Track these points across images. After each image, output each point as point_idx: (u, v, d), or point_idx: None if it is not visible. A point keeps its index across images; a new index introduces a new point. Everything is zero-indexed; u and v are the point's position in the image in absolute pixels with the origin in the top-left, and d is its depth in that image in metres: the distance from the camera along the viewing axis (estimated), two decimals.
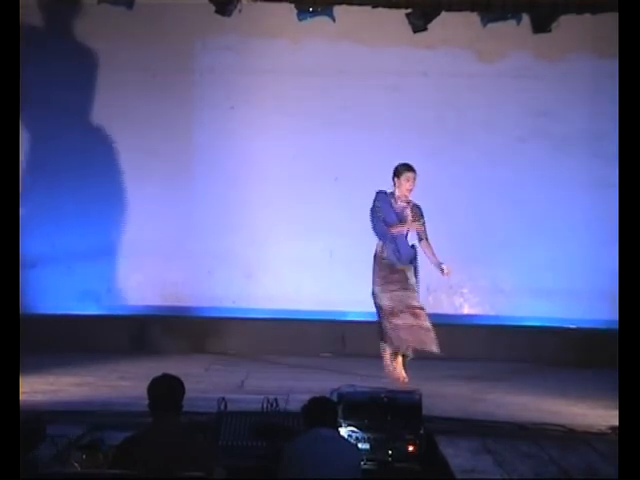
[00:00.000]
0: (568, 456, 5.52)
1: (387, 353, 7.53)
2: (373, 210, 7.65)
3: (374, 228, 7.65)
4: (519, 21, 8.95)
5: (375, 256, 7.65)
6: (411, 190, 7.59)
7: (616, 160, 8.95)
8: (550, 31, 8.66)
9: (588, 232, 9.10)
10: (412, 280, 7.60)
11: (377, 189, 7.71)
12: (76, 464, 4.89)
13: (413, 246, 7.66)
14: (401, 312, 7.51)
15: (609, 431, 6.08)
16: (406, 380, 7.36)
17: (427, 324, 7.50)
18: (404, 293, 7.56)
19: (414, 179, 7.53)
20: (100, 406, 6.27)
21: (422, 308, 7.60)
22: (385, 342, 7.53)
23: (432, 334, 7.44)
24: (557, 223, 9.17)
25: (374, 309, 7.84)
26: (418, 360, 8.29)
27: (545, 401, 6.98)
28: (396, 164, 7.56)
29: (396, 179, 7.57)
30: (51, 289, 9.23)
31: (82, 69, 9.32)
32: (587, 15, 8.53)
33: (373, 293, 7.61)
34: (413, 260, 7.64)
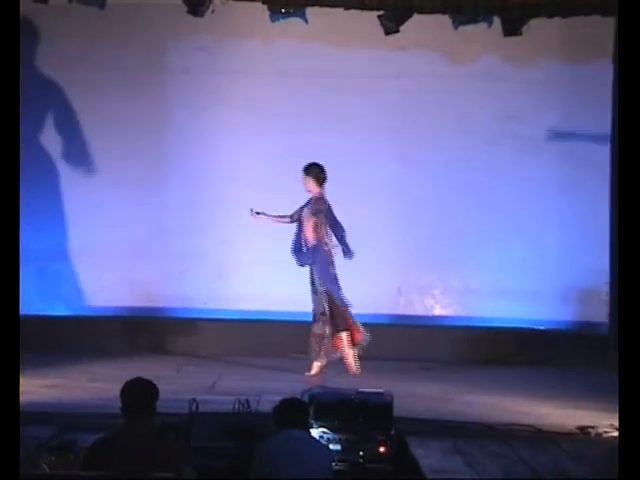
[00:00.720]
0: (537, 456, 5.58)
1: None
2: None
3: None
4: (490, 24, 9.00)
5: None
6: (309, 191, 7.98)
7: (584, 162, 9.12)
8: (521, 34, 8.71)
9: (557, 234, 9.19)
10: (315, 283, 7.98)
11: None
12: (45, 466, 4.87)
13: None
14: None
15: (577, 431, 6.15)
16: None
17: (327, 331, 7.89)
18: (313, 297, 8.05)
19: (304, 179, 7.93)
20: (71, 407, 6.25)
21: (324, 313, 7.89)
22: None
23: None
24: (527, 225, 9.24)
25: None
26: (389, 361, 8.35)
27: (514, 401, 7.03)
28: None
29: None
30: (21, 290, 9.14)
31: (54, 69, 9.27)
32: (557, 19, 8.59)
33: None
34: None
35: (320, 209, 7.91)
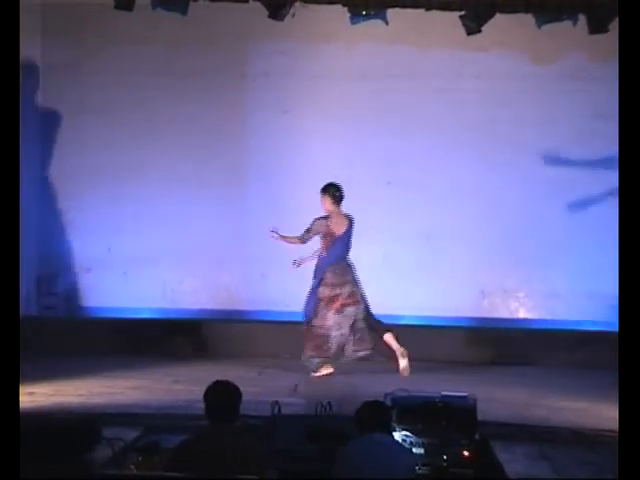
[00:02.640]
0: None
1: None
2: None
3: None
4: (575, 22, 8.84)
5: None
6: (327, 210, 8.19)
7: None
8: (607, 31, 8.53)
9: None
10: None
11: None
12: (132, 466, 4.94)
13: None
14: None
15: None
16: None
17: None
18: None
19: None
20: (155, 409, 6.31)
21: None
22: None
23: None
24: (613, 226, 9.02)
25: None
26: (471, 365, 8.24)
27: (602, 406, 6.87)
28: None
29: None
30: (108, 293, 9.33)
31: (139, 75, 9.41)
32: None
33: None
34: None
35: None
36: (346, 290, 8.12)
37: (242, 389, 4.46)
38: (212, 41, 9.32)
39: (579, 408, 6.82)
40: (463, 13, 8.74)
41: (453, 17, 8.79)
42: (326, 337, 8.06)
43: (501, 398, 6.98)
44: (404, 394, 5.66)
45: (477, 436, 5.37)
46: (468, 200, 9.18)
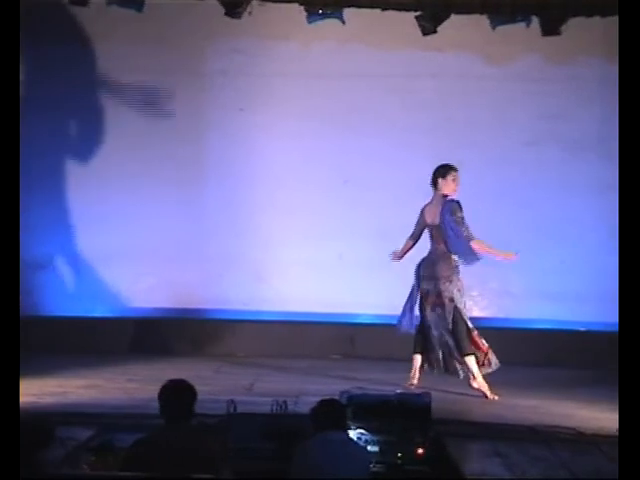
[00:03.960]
0: (578, 460, 5.51)
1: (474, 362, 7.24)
2: (458, 223, 7.27)
3: (461, 246, 7.28)
4: (529, 23, 8.93)
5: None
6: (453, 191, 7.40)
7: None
8: (560, 34, 8.63)
9: (596, 235, 9.09)
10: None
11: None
12: (85, 466, 4.91)
13: None
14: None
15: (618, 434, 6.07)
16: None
17: None
18: None
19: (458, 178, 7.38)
20: (109, 408, 6.28)
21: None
22: (471, 350, 7.25)
23: None
24: (566, 226, 9.15)
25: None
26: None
27: (555, 404, 6.97)
28: (435, 166, 7.47)
29: (442, 179, 7.40)
30: (61, 291, 9.26)
31: (93, 72, 9.34)
32: (597, 18, 8.51)
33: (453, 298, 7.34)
34: None
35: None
36: (443, 286, 7.32)
37: (198, 388, 4.45)
38: (168, 39, 9.27)
39: (532, 405, 6.90)
40: (419, 14, 8.79)
41: (409, 17, 8.84)
42: (428, 338, 7.43)
43: (455, 396, 7.04)
44: (360, 392, 5.69)
45: (431, 434, 5.41)
46: (424, 199, 9.21)
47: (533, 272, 9.06)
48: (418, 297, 7.42)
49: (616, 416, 6.39)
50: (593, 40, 9.04)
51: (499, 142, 9.26)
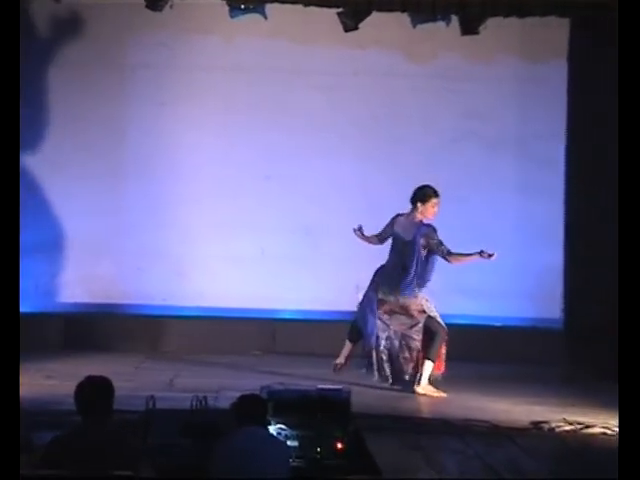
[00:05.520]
0: (492, 451, 5.65)
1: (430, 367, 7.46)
2: (433, 247, 7.51)
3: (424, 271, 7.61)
4: (448, 22, 9.05)
5: None
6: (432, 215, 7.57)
7: (540, 162, 9.21)
8: (478, 33, 8.76)
9: (516, 233, 9.26)
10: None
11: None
12: None
13: None
14: None
15: (531, 426, 6.24)
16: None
17: None
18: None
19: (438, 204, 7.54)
20: (26, 405, 6.19)
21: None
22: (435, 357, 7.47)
23: None
24: (487, 224, 9.30)
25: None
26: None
27: (470, 397, 7.11)
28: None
29: (421, 204, 7.54)
30: None
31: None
32: (514, 18, 8.67)
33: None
34: None
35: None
36: (401, 300, 7.56)
37: (117, 384, 4.43)
38: (88, 30, 9.16)
39: (447, 399, 7.03)
40: (341, 10, 8.83)
41: (331, 14, 8.87)
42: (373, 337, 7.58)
43: (374, 390, 7.13)
44: (280, 387, 5.72)
45: (351, 428, 5.47)
46: (348, 196, 9.29)
47: (452, 269, 9.19)
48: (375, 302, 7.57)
49: (527, 409, 6.63)
50: (510, 40, 9.22)
51: (421, 139, 9.36)
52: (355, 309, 7.84)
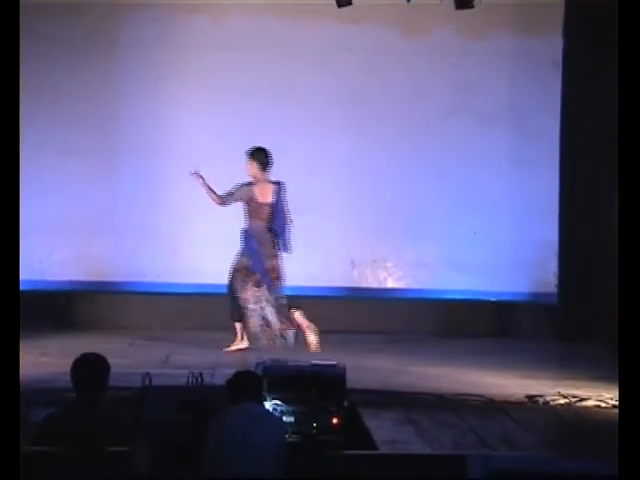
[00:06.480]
0: (486, 425, 5.68)
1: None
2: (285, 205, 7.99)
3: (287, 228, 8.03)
4: None
5: None
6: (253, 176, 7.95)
7: (535, 136, 9.21)
8: (472, 7, 8.72)
9: (508, 207, 9.27)
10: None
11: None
12: None
13: None
14: None
15: (525, 400, 6.27)
16: None
17: None
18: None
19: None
20: (22, 382, 6.18)
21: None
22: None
23: None
24: (479, 197, 9.31)
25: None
26: (341, 333, 8.40)
27: (465, 372, 7.13)
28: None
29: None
30: None
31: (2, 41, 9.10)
32: None
33: None
34: None
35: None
36: (268, 263, 7.91)
37: (112, 361, 4.44)
38: (81, 7, 9.09)
39: (442, 374, 7.06)
40: None
41: None
42: (244, 310, 7.91)
43: (369, 366, 7.15)
44: (275, 363, 5.73)
45: (346, 403, 5.49)
46: (340, 171, 9.29)
47: (447, 243, 9.22)
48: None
49: (522, 382, 6.65)
50: (505, 14, 9.18)
51: (415, 113, 9.34)
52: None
